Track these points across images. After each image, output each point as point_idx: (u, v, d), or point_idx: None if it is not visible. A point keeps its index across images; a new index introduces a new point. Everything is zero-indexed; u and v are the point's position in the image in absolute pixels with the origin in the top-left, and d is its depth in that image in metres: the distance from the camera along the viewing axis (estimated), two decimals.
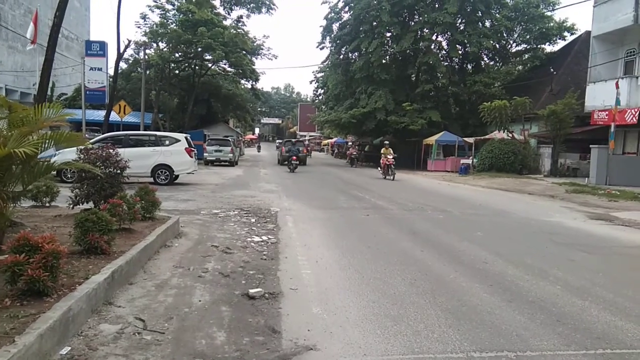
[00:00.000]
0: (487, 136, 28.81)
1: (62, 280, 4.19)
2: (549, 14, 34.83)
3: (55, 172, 10.77)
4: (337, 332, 4.10)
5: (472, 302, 4.95)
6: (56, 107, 5.73)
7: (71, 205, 7.83)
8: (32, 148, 4.77)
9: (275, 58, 48.61)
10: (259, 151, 57.25)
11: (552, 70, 29.30)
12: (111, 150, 8.02)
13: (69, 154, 9.07)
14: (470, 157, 28.95)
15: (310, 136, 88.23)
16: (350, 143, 46.11)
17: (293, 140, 39.32)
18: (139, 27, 37.85)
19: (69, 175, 13.92)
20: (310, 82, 61.85)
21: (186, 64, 40.34)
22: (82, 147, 7.59)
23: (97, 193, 7.63)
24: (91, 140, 14.45)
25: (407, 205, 13.32)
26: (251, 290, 4.98)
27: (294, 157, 26.80)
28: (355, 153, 37.02)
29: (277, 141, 58.85)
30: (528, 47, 36.85)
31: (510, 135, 26.39)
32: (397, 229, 9.41)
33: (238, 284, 5.35)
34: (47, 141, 5.43)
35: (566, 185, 19.08)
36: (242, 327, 4.12)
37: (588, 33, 26.60)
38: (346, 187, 18.71)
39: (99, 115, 31.87)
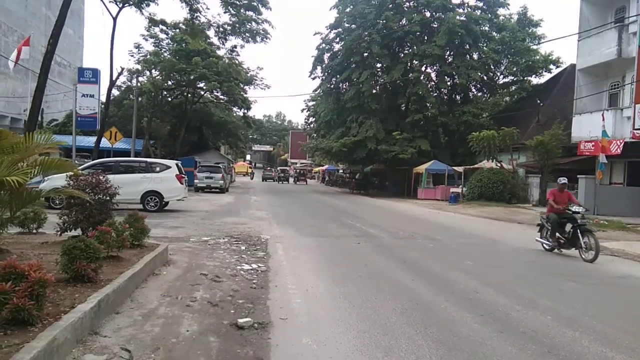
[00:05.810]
0: (476, 165, 29.10)
1: (48, 309, 4.11)
2: (534, 47, 35.84)
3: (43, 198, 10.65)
4: None
5: (463, 333, 4.91)
6: (47, 134, 5.73)
7: (59, 232, 7.72)
8: (22, 176, 4.74)
9: (268, 88, 49.65)
10: (251, 178, 63.70)
11: (538, 101, 29.87)
12: (101, 177, 7.99)
13: (58, 180, 9.01)
14: (460, 186, 29.14)
15: (301, 163, 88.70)
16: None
17: (268, 168, 71.34)
18: (132, 55, 38.26)
19: (57, 202, 13.65)
20: (302, 111, 62.96)
21: (179, 92, 40.62)
22: (72, 173, 7.55)
23: (86, 220, 7.55)
24: (81, 167, 14.37)
25: (398, 233, 13.32)
26: (240, 320, 4.91)
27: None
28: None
29: (264, 168, 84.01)
30: (515, 79, 37.80)
31: (498, 164, 26.68)
32: (388, 258, 9.38)
33: (227, 313, 5.27)
34: (37, 168, 5.40)
35: None
36: (230, 359, 4.04)
37: (573, 66, 27.23)
38: (337, 214, 18.69)
39: (89, 141, 31.79)
